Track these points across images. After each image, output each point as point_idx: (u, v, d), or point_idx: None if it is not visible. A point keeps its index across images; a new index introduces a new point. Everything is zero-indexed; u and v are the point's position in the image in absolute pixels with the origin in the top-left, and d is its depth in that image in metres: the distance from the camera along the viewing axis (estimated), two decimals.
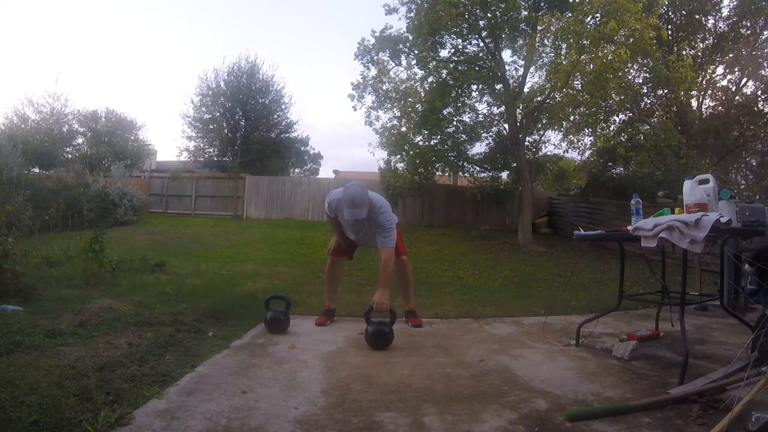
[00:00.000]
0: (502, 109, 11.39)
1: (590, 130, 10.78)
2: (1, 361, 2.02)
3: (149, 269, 5.10)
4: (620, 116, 11.99)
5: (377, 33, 11.16)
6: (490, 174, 12.69)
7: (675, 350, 2.59)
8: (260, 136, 18.00)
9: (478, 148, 12.75)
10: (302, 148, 21.66)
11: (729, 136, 11.81)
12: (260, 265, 6.24)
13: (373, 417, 1.69)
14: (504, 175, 13.11)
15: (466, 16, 9.87)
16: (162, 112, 56.75)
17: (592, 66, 8.60)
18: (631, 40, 8.58)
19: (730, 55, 11.59)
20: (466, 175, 12.70)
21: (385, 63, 11.20)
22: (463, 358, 2.46)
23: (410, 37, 10.73)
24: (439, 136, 11.04)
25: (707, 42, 11.87)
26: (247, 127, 17.86)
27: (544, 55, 9.75)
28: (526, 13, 10.37)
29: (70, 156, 17.37)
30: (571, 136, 11.72)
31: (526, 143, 11.97)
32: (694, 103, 11.71)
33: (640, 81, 11.45)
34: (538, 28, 9.39)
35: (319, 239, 9.81)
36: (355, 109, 11.84)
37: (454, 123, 11.56)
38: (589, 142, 12.18)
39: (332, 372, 2.20)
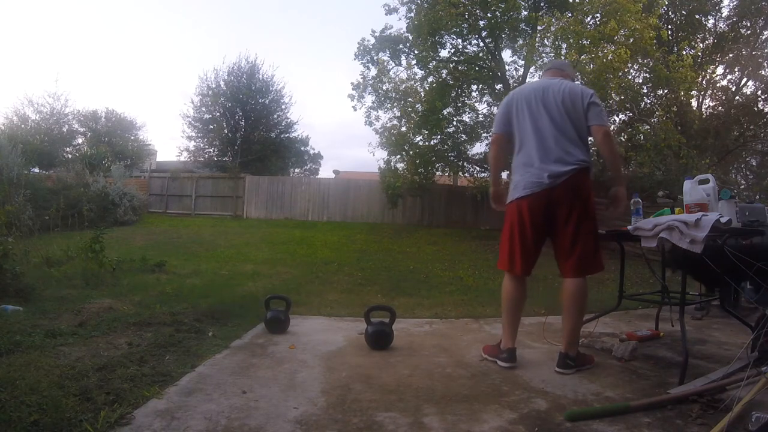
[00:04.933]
0: None
1: None
2: (1, 361, 2.03)
3: (149, 269, 5.10)
4: (620, 116, 12.00)
5: (377, 33, 11.18)
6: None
7: (675, 350, 2.59)
8: (260, 136, 18.01)
9: (478, 148, 12.74)
10: (302, 148, 21.67)
11: (729, 136, 11.84)
12: (260, 265, 6.24)
13: (373, 417, 1.69)
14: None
15: (466, 16, 9.88)
16: (162, 112, 56.81)
17: (592, 66, 8.60)
18: (631, 40, 8.59)
19: (730, 55, 11.62)
20: (466, 175, 12.71)
21: (385, 63, 11.22)
22: (463, 358, 2.46)
23: (410, 37, 10.74)
24: (439, 136, 11.05)
25: (707, 42, 11.89)
26: (247, 127, 17.86)
27: (544, 55, 9.75)
28: (526, 13, 10.37)
29: (70, 156, 17.40)
30: None
31: None
32: (694, 103, 11.74)
33: (640, 81, 11.46)
34: (538, 28, 9.39)
35: (318, 239, 9.82)
36: (355, 109, 11.88)
37: (454, 123, 11.57)
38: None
39: (332, 372, 2.20)
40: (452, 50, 11.20)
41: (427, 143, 11.09)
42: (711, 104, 12.52)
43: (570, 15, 9.20)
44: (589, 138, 2.37)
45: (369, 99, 11.44)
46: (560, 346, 2.31)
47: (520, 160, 2.32)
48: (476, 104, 12.17)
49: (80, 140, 20.22)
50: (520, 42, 10.54)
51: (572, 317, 2.26)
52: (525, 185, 2.26)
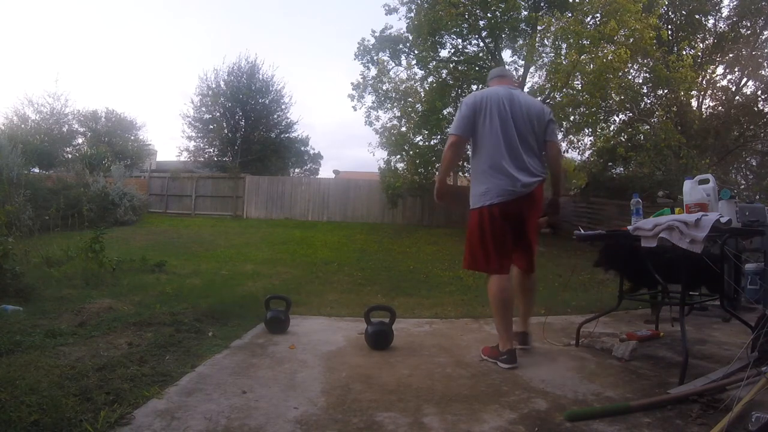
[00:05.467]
0: None
1: (590, 130, 10.80)
2: (1, 361, 2.03)
3: (149, 269, 5.10)
4: (620, 116, 12.01)
5: (377, 33, 11.20)
6: None
7: (675, 350, 2.59)
8: (260, 136, 18.00)
9: None
10: (302, 148, 21.66)
11: (729, 136, 11.84)
12: (260, 265, 6.24)
13: (373, 417, 1.69)
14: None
15: (466, 16, 9.88)
16: (162, 112, 56.77)
17: (592, 66, 8.61)
18: (631, 40, 8.60)
19: (730, 55, 11.62)
20: (466, 175, 12.73)
21: (385, 63, 11.23)
22: (463, 358, 2.46)
23: (410, 37, 10.75)
24: (439, 136, 11.05)
25: (707, 42, 11.89)
26: (247, 127, 17.86)
27: (544, 55, 9.78)
28: (526, 13, 10.38)
29: (70, 156, 17.40)
30: (571, 136, 11.74)
31: None
32: (694, 103, 11.75)
33: (640, 81, 11.47)
34: (538, 28, 9.40)
35: (318, 239, 9.82)
36: (355, 109, 11.89)
37: None
38: (589, 142, 12.21)
39: (332, 372, 2.20)
40: (452, 50, 11.22)
41: (427, 143, 11.09)
42: (711, 104, 12.54)
43: (570, 15, 9.21)
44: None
45: (369, 99, 11.47)
46: (560, 346, 2.33)
47: (486, 165, 2.37)
48: None
49: (80, 140, 20.24)
50: (520, 42, 10.55)
51: (533, 303, 2.66)
52: (499, 192, 2.34)
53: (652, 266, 2.70)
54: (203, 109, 18.02)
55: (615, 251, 3.08)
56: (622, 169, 13.05)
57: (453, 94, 11.04)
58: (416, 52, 10.76)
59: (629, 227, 2.45)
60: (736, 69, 11.89)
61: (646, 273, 2.91)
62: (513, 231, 2.40)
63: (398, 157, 11.23)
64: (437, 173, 2.63)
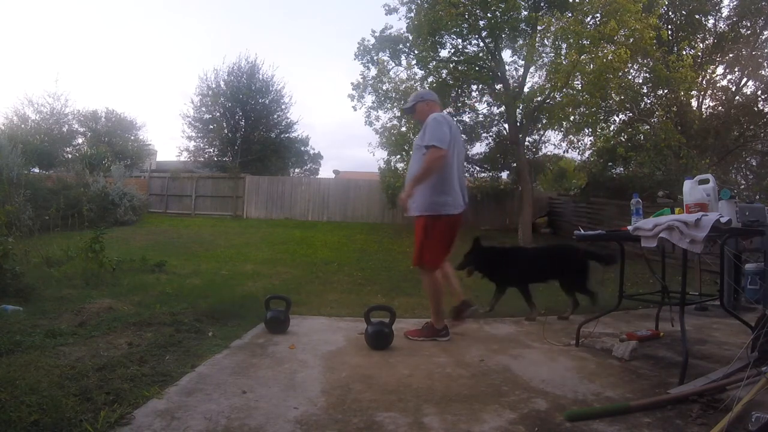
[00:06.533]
0: (502, 109, 11.40)
1: (590, 130, 10.78)
2: (1, 361, 2.03)
3: (149, 269, 5.10)
4: (620, 116, 11.99)
5: (377, 33, 11.17)
6: (490, 174, 12.68)
7: (675, 350, 2.59)
8: (260, 136, 17.99)
9: (478, 148, 12.76)
10: (302, 148, 21.66)
11: (729, 136, 11.81)
12: (260, 265, 6.24)
13: (373, 417, 1.69)
14: (504, 175, 13.12)
15: (466, 16, 9.87)
16: (162, 112, 56.85)
17: (592, 66, 8.60)
18: (631, 40, 8.59)
19: (730, 55, 11.60)
20: (466, 175, 12.71)
21: (385, 63, 11.21)
22: (463, 358, 2.46)
23: (410, 37, 10.73)
24: None
25: (707, 42, 11.86)
26: (247, 127, 17.85)
27: (544, 55, 9.76)
28: (526, 13, 10.36)
29: (70, 156, 17.39)
30: (571, 136, 11.74)
31: (526, 143, 11.97)
32: (694, 103, 11.72)
33: (640, 81, 11.45)
34: (538, 28, 9.39)
35: (318, 239, 9.82)
36: (355, 109, 11.86)
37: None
38: (589, 142, 12.19)
39: (332, 372, 2.20)
40: (452, 50, 11.19)
41: None
42: (711, 104, 12.50)
43: (570, 15, 9.20)
44: None
45: (369, 99, 11.45)
46: (560, 346, 2.34)
47: (449, 182, 2.80)
48: (476, 104, 12.19)
49: (80, 140, 20.25)
50: (520, 42, 10.53)
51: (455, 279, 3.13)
52: (456, 205, 2.83)
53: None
54: (203, 109, 18.01)
55: (479, 255, 3.69)
56: (622, 169, 13.03)
57: (453, 94, 11.04)
58: (416, 52, 10.74)
59: (629, 227, 2.45)
60: (736, 69, 11.86)
61: (506, 273, 3.70)
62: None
63: (398, 157, 11.22)
64: (412, 179, 2.82)
